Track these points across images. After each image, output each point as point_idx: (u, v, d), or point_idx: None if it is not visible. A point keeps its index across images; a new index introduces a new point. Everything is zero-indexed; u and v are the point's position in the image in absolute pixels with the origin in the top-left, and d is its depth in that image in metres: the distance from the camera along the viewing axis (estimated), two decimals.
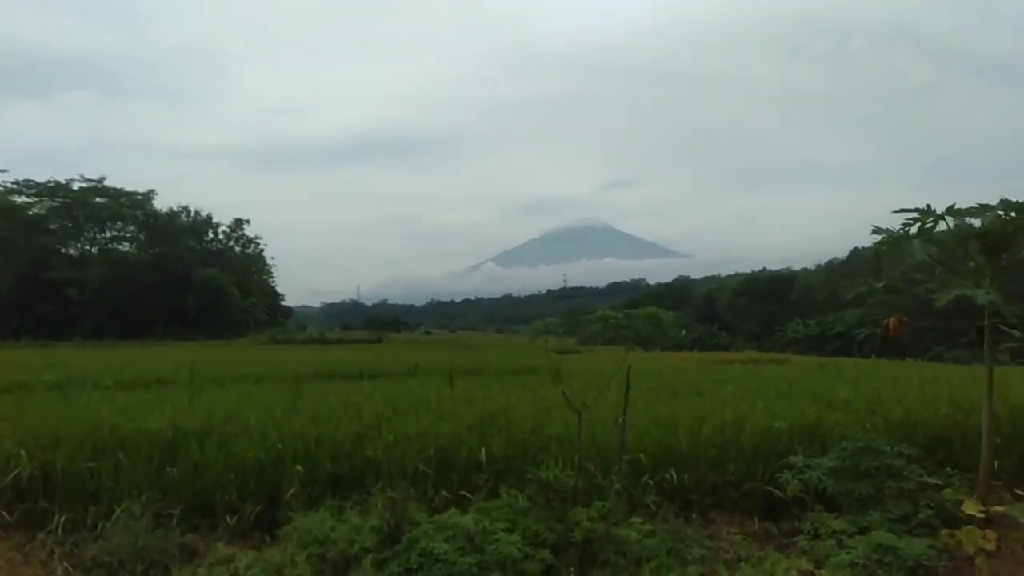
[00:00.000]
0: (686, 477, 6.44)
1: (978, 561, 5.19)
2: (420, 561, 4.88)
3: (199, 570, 5.04)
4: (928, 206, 5.93)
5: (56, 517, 5.59)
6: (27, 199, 70.21)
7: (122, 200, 73.36)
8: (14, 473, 5.90)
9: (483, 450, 6.58)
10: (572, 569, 5.05)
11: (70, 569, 5.06)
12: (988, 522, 5.58)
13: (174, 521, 5.57)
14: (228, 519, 5.77)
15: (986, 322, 6.09)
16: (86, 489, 5.94)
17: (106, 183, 72.77)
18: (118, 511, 5.50)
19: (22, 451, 6.12)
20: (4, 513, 5.72)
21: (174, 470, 6.09)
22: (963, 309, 6.62)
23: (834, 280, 62.60)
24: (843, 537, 5.46)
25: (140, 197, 74.93)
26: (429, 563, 4.86)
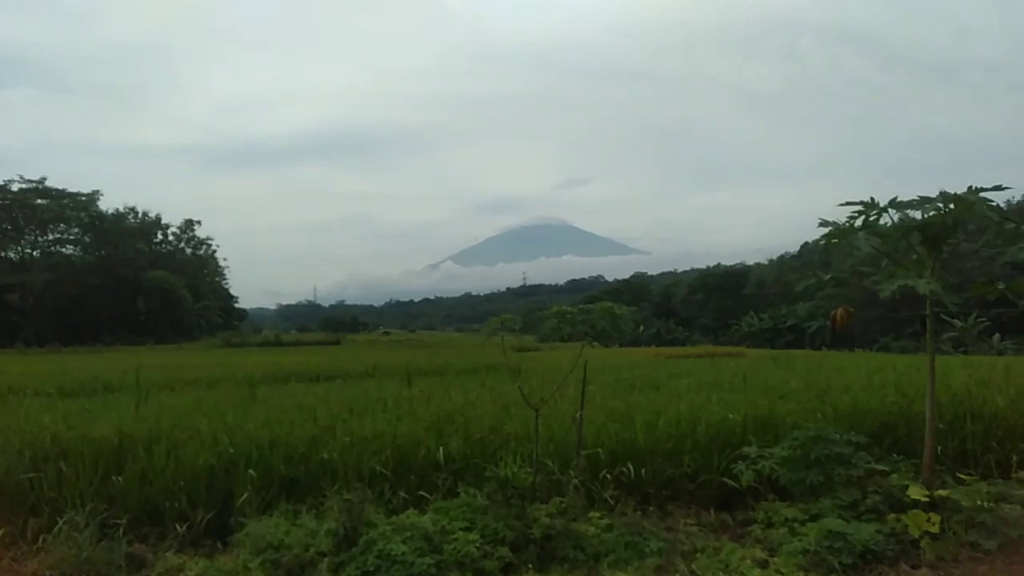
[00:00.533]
0: (643, 470, 6.50)
1: (923, 544, 5.35)
2: (378, 563, 4.82)
3: None
4: (872, 199, 6.09)
5: None
6: None
7: (65, 201, 70.87)
8: None
9: (441, 449, 6.54)
10: (531, 566, 5.05)
11: None
12: (932, 506, 5.76)
13: (120, 531, 5.39)
14: (178, 527, 5.61)
15: (928, 312, 6.29)
16: (26, 501, 5.72)
17: (48, 184, 70.26)
18: (60, 522, 5.29)
19: None
20: None
21: (120, 479, 5.90)
22: (909, 300, 6.85)
23: (786, 274, 64.11)
24: (795, 525, 5.58)
25: (84, 198, 72.49)
26: (387, 565, 4.80)
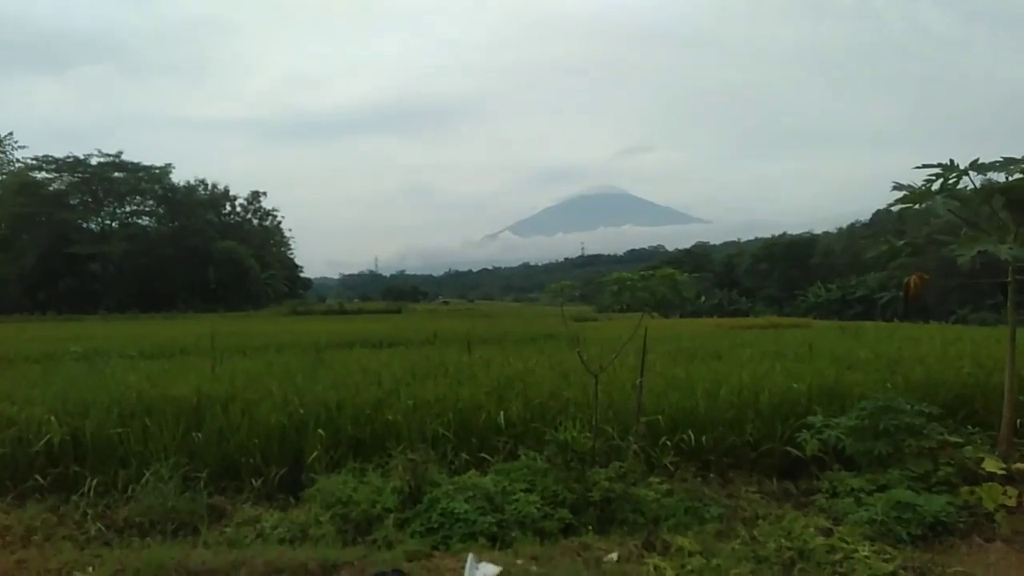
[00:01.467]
0: (704, 438, 6.48)
1: (998, 517, 5.19)
2: (441, 520, 4.99)
3: (227, 530, 5.20)
4: (951, 161, 5.82)
5: (88, 480, 5.77)
6: (47, 175, 70.93)
7: (140, 175, 73.80)
8: (46, 439, 6.08)
9: (501, 414, 6.67)
10: (591, 528, 5.14)
11: (103, 530, 5.23)
12: (1009, 479, 5.57)
13: (201, 483, 5.73)
14: (253, 481, 5.93)
15: (1010, 280, 6.00)
16: (116, 453, 6.12)
17: (124, 158, 73.28)
18: (147, 474, 5.67)
19: (52, 418, 6.29)
20: (38, 477, 5.90)
21: (200, 435, 6.25)
22: (989, 269, 6.52)
23: (856, 243, 61.72)
24: (861, 495, 5.49)
25: (158, 171, 75.31)
26: (450, 522, 4.97)
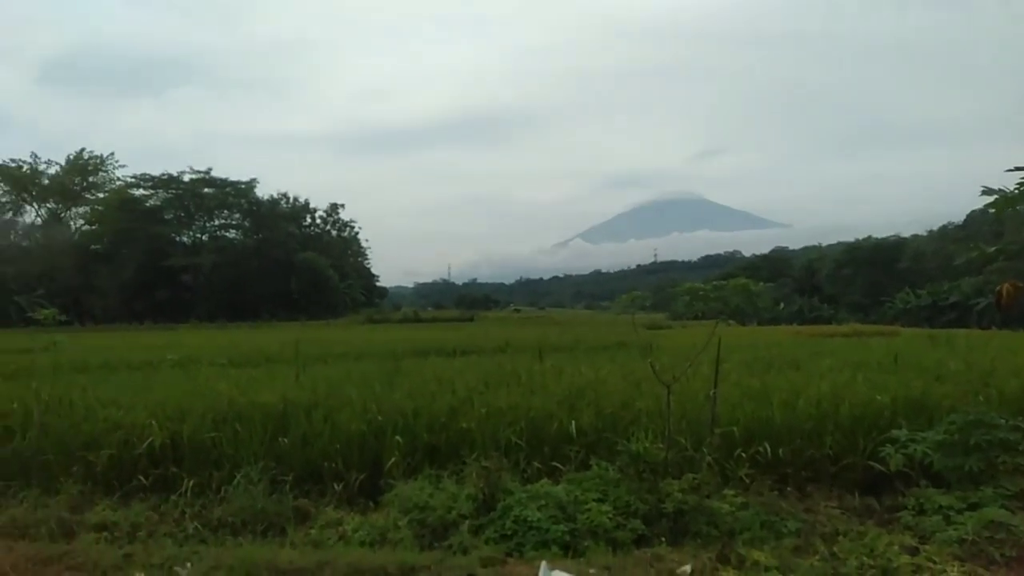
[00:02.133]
0: (781, 451, 6.34)
1: None
2: (515, 528, 5.09)
3: (311, 532, 5.46)
4: None
5: (185, 481, 6.17)
6: (144, 192, 75.61)
7: (228, 190, 77.62)
8: (147, 442, 6.54)
9: (573, 423, 6.72)
10: (663, 539, 5.12)
11: (200, 528, 5.58)
12: None
13: (287, 486, 6.03)
14: (335, 486, 6.18)
15: None
16: (210, 456, 6.51)
17: (213, 174, 77.24)
18: (238, 476, 6.01)
19: (153, 422, 6.76)
20: (141, 477, 6.35)
21: (286, 440, 6.58)
22: None
23: (948, 246, 58.45)
24: (951, 513, 5.26)
25: (244, 186, 79.01)
26: (523, 530, 5.06)
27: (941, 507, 5.37)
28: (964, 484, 5.63)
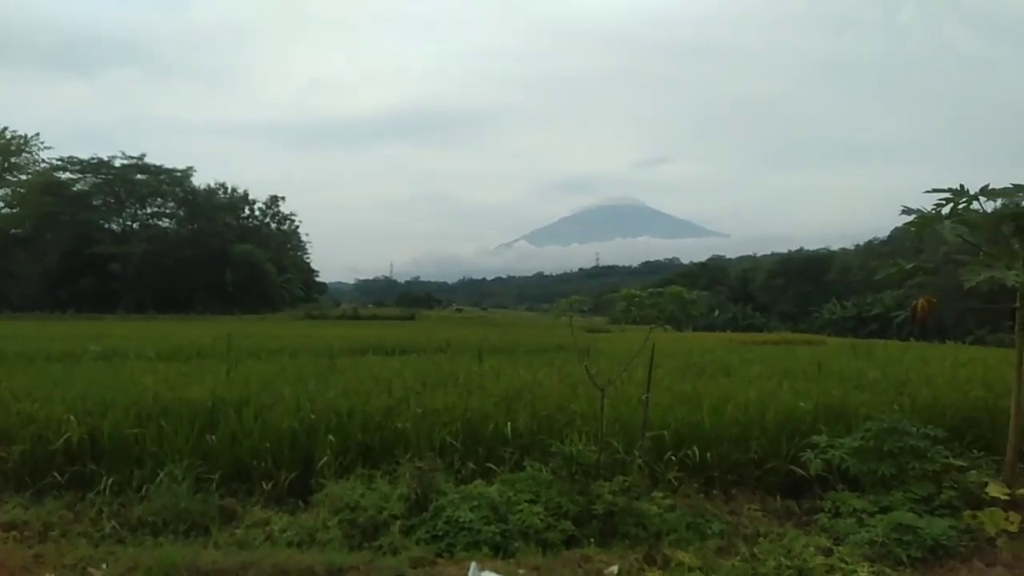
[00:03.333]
0: (708, 454, 6.52)
1: (999, 542, 5.20)
2: (446, 528, 5.09)
3: (237, 531, 5.31)
4: (961, 186, 5.85)
5: (104, 479, 5.91)
6: (71, 175, 72.27)
7: (162, 177, 74.93)
8: (64, 437, 6.24)
9: (509, 424, 6.75)
10: (593, 540, 5.20)
11: (118, 527, 5.36)
12: (1013, 505, 5.57)
13: (213, 485, 5.86)
14: (264, 485, 6.04)
15: (1019, 304, 6.02)
16: (131, 453, 6.26)
17: (146, 160, 74.42)
18: (161, 475, 5.80)
19: (71, 417, 6.45)
20: (56, 474, 6.06)
21: (213, 437, 6.38)
22: (1008, 291, 6.53)
23: (873, 260, 61.18)
24: (864, 516, 5.51)
25: (179, 174, 76.43)
26: (455, 530, 5.06)
27: (855, 510, 5.64)
28: (877, 488, 5.91)
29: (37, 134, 71.73)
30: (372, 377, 9.13)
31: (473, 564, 4.46)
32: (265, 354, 14.88)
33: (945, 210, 5.95)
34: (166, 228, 77.58)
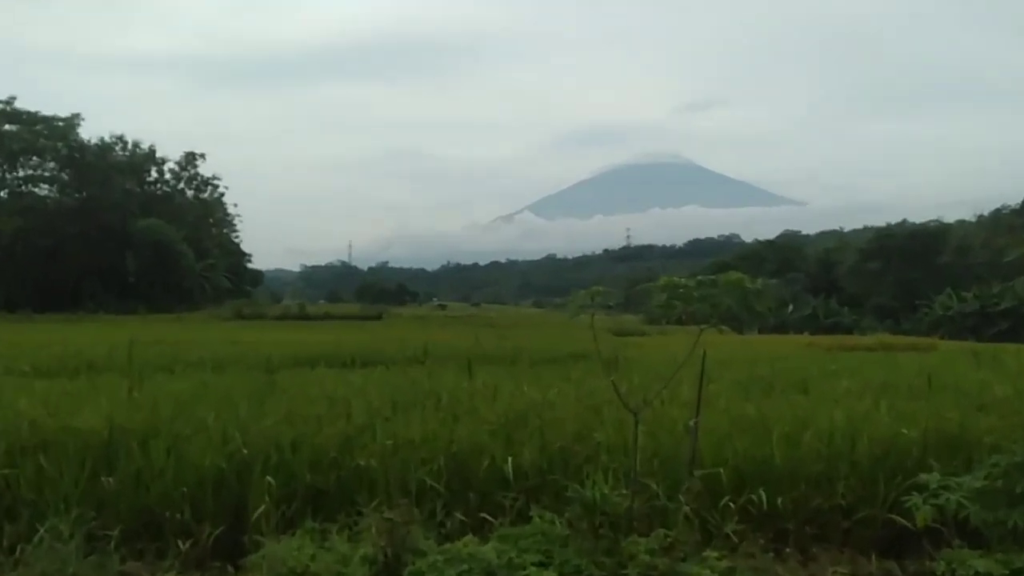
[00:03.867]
0: (780, 500, 6.53)
1: None
2: None
3: None
4: None
5: None
6: None
7: (38, 128, 74.84)
8: None
9: (510, 461, 6.77)
10: None
11: None
12: None
13: (112, 545, 5.86)
14: (180, 543, 6.05)
15: None
16: (1, 502, 6.29)
17: (18, 105, 74.25)
18: (41, 531, 5.81)
19: None
20: None
21: (111, 480, 6.41)
22: None
23: (1002, 236, 61.25)
24: None
25: (62, 124, 76.37)
26: None
27: (978, 573, 5.65)
28: (1007, 544, 5.92)
29: None
30: (324, 397, 9.16)
31: None
32: (180, 367, 14.93)
33: None
34: (44, 197, 77.62)
